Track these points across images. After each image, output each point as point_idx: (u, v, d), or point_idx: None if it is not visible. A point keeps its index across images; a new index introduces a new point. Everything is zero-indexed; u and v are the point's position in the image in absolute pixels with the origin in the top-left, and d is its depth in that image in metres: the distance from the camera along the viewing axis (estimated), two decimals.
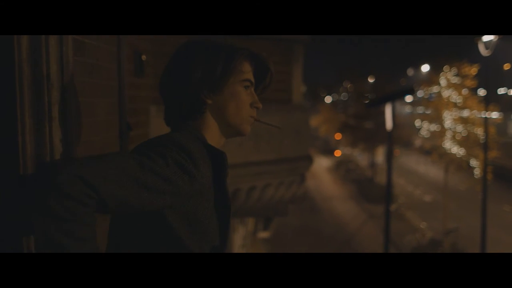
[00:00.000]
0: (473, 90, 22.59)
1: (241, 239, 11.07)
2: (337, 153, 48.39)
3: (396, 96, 6.56)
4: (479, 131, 20.96)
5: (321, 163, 46.97)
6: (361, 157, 43.75)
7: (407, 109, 49.74)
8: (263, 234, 14.84)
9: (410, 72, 68.38)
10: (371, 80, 39.46)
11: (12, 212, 1.40)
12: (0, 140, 1.37)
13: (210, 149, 1.40)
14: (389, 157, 7.16)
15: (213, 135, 1.48)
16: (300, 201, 4.67)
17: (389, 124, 6.40)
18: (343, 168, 40.77)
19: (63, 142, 1.55)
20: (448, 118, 22.33)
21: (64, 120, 1.56)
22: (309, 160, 4.68)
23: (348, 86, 43.75)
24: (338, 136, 44.40)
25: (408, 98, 41.73)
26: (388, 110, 6.33)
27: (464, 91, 22.04)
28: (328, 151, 51.42)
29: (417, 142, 30.72)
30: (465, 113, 22.04)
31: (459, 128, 21.87)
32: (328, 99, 58.00)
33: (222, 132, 1.50)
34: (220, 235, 1.41)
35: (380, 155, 36.48)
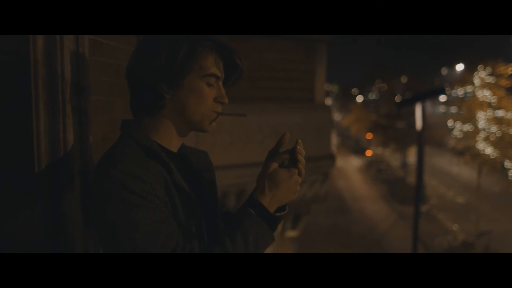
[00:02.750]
0: (509, 90, 22.08)
1: None
2: (368, 153, 47.88)
3: (427, 95, 6.49)
4: None
5: (352, 163, 46.56)
6: (392, 157, 43.22)
7: (441, 109, 48.96)
8: (291, 233, 14.82)
9: (444, 71, 67.25)
10: (404, 80, 38.95)
11: (26, 209, 1.46)
12: (15, 137, 1.43)
13: (146, 149, 1.36)
14: (420, 157, 7.07)
15: (171, 131, 1.45)
16: (322, 200, 4.68)
17: (419, 123, 6.33)
18: (374, 168, 40.33)
19: (78, 139, 1.61)
20: (482, 119, 21.88)
21: (79, 117, 1.62)
22: (331, 159, 4.68)
23: (381, 85, 43.26)
24: (369, 135, 43.96)
25: (442, 98, 41.03)
26: (418, 110, 6.27)
27: (499, 91, 21.56)
28: (359, 150, 50.92)
29: (450, 143, 30.18)
30: (500, 113, 21.56)
31: (493, 128, 21.40)
32: (359, 98, 57.45)
33: (183, 127, 1.46)
34: (196, 231, 1.39)
35: (412, 155, 35.97)
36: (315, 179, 4.44)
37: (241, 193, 3.82)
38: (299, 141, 1.44)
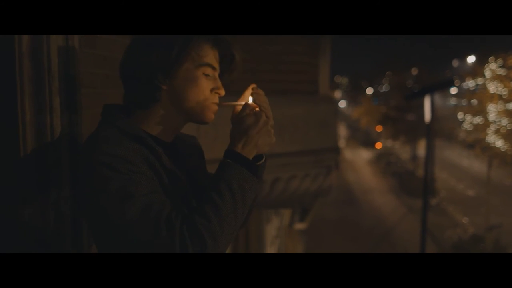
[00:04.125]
0: None
1: (275, 230, 11.10)
2: (378, 145, 47.76)
3: (435, 88, 6.39)
4: None
5: (361, 155, 46.45)
6: (402, 150, 43.03)
7: (452, 101, 48.70)
8: (300, 226, 14.82)
9: (455, 63, 66.71)
10: (414, 72, 38.73)
11: (13, 203, 1.45)
12: (1, 129, 1.42)
13: (131, 135, 1.34)
14: (428, 150, 7.00)
15: (164, 123, 1.43)
16: (326, 193, 4.64)
17: (427, 116, 6.26)
18: (383, 161, 40.19)
19: (67, 132, 1.59)
20: (493, 111, 21.69)
21: (68, 110, 1.60)
22: (336, 152, 4.64)
23: (391, 77, 43.07)
24: (379, 128, 43.82)
25: (453, 90, 40.66)
26: (427, 102, 6.19)
27: (510, 83, 21.36)
28: (368, 143, 50.78)
29: (461, 135, 29.99)
30: (511, 105, 21.37)
31: (504, 121, 21.22)
32: (369, 91, 57.17)
33: (179, 119, 1.45)
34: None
35: (422, 148, 35.83)
36: (319, 172, 4.40)
37: None
38: (252, 84, 1.44)
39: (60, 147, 1.55)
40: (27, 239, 1.50)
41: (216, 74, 1.46)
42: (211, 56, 1.43)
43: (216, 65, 1.45)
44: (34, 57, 1.44)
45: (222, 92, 1.46)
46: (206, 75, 1.42)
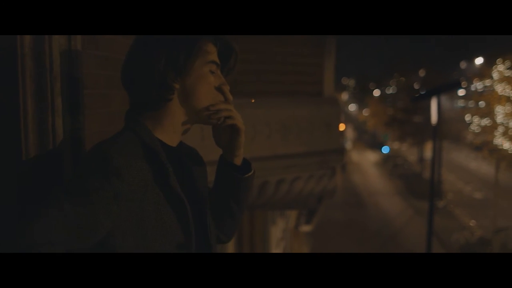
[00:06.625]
0: None
1: (281, 232, 11.09)
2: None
3: (442, 89, 6.36)
4: None
5: (368, 158, 46.33)
6: (409, 152, 42.88)
7: (459, 103, 48.46)
8: (305, 228, 14.80)
9: (463, 65, 66.41)
10: (422, 73, 38.60)
11: (15, 202, 1.45)
12: (3, 130, 1.43)
13: (146, 147, 1.34)
14: (435, 152, 6.96)
15: (175, 124, 1.43)
16: (330, 195, 4.64)
17: (434, 118, 6.23)
18: (390, 163, 40.07)
19: (69, 133, 1.60)
20: (500, 113, 21.58)
21: (70, 111, 1.61)
22: (340, 153, 4.63)
23: (399, 79, 42.95)
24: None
25: (460, 92, 40.45)
26: (433, 104, 6.16)
27: None
28: (375, 145, 50.66)
29: (468, 137, 29.88)
30: None
31: None
32: (376, 93, 57.00)
33: (189, 120, 1.44)
34: (183, 233, 1.35)
35: (429, 150, 35.73)
36: (323, 173, 4.40)
37: None
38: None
39: (62, 148, 1.55)
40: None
41: (219, 70, 1.46)
42: (214, 53, 1.43)
43: (219, 62, 1.45)
44: (36, 58, 1.45)
45: (227, 87, 1.45)
46: (212, 72, 1.43)
